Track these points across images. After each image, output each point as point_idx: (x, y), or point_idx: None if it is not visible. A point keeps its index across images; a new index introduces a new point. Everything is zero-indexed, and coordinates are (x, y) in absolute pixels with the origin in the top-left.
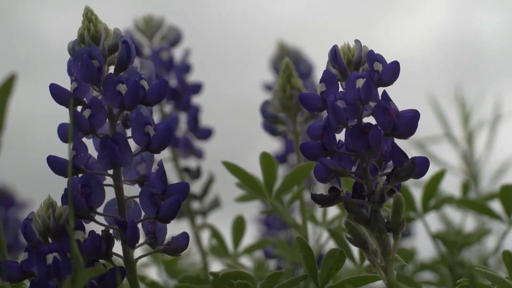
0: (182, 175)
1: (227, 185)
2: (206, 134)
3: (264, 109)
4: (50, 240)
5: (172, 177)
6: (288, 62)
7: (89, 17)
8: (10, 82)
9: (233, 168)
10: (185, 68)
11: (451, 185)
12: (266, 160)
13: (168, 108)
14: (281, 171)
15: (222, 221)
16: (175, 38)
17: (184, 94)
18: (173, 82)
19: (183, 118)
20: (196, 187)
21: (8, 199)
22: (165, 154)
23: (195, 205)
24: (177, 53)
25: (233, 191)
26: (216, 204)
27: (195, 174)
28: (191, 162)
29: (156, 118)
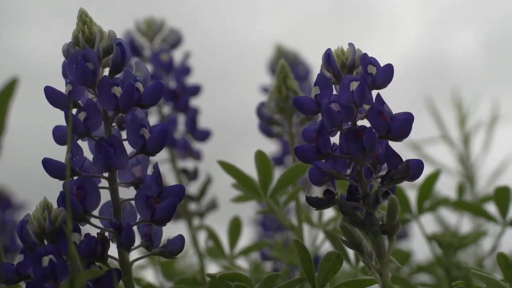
0: (179, 177)
1: (223, 187)
2: (204, 135)
3: (260, 111)
4: (45, 242)
5: (170, 178)
6: (284, 64)
7: (84, 19)
8: (11, 86)
9: (228, 168)
10: (185, 70)
11: (448, 187)
12: (261, 158)
13: (166, 109)
14: (278, 174)
15: (219, 222)
16: (175, 40)
17: (183, 96)
18: (172, 83)
19: (181, 119)
20: (193, 188)
21: (5, 200)
22: (163, 155)
23: (192, 206)
24: (177, 55)
25: (230, 193)
26: (213, 205)
27: (193, 175)
28: (189, 164)
29: (155, 119)
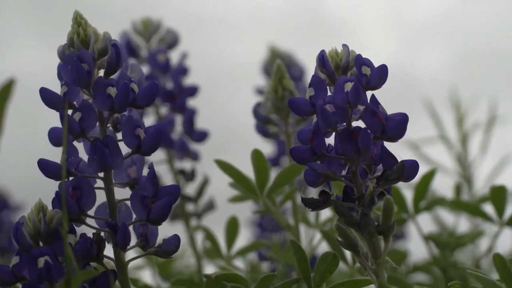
0: (177, 177)
1: (221, 188)
2: (201, 136)
3: (256, 111)
4: (41, 243)
5: (167, 179)
6: (280, 64)
7: (79, 21)
8: (8, 87)
9: (225, 167)
10: (182, 70)
11: (446, 187)
12: (257, 157)
13: (164, 110)
14: (274, 174)
15: (216, 222)
16: (172, 41)
17: (180, 97)
18: (169, 84)
19: (178, 120)
20: (191, 189)
21: (1, 202)
22: (160, 156)
23: (190, 207)
24: (174, 56)
25: (228, 194)
26: (210, 206)
27: (190, 176)
28: (186, 164)
29: (152, 120)
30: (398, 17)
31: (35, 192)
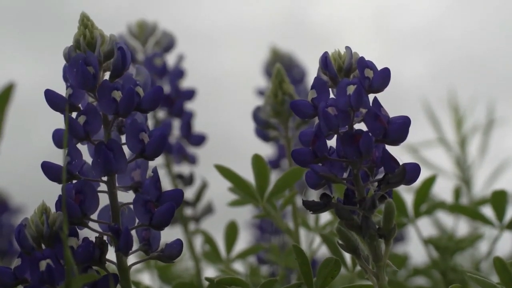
0: (175, 181)
1: (220, 190)
2: (199, 140)
3: (256, 115)
4: (43, 246)
5: (165, 183)
6: (280, 68)
7: (85, 23)
8: (8, 90)
9: (225, 172)
10: (179, 73)
11: (445, 190)
12: (258, 162)
13: (161, 114)
14: (274, 177)
15: (216, 225)
16: (168, 44)
17: (177, 100)
18: (166, 88)
19: (176, 124)
20: (189, 193)
21: (2, 204)
22: (158, 160)
23: (188, 211)
24: (171, 59)
25: (228, 197)
26: (209, 210)
27: (188, 180)
28: (184, 168)
29: (149, 124)
30: (384, 26)
31: (40, 194)
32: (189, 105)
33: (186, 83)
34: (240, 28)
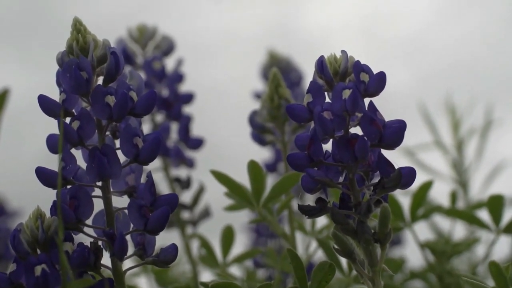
0: (172, 185)
1: (217, 194)
2: (197, 143)
3: (252, 119)
4: (38, 251)
5: (163, 187)
6: (276, 72)
7: (78, 28)
8: (3, 96)
9: (221, 177)
10: (177, 77)
11: (441, 193)
12: (254, 168)
13: (159, 117)
14: (271, 180)
15: (212, 228)
16: (168, 48)
17: (175, 104)
18: (165, 91)
19: (174, 127)
20: (186, 197)
21: None
22: (155, 164)
23: (185, 215)
24: (170, 63)
25: (224, 200)
26: (206, 214)
27: (186, 184)
28: (182, 172)
29: (148, 127)
30: (371, 35)
31: (36, 199)
32: (187, 109)
33: (184, 88)
34: (229, 37)
